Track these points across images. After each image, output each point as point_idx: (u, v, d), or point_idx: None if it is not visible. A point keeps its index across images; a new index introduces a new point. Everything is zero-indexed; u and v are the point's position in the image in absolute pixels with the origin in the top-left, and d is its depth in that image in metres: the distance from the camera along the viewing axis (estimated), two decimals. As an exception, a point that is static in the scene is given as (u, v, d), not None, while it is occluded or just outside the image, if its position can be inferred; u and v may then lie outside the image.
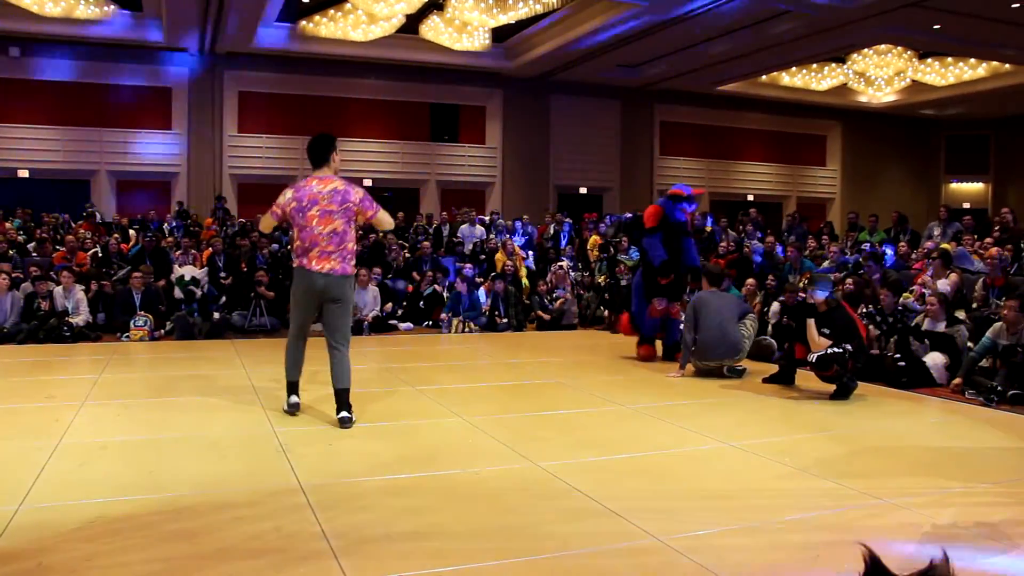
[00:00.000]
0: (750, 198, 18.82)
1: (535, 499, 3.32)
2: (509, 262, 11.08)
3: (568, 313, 10.47)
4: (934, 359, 6.42)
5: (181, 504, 3.15)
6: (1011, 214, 10.25)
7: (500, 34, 14.64)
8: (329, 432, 4.43)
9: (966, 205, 18.76)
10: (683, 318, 6.93)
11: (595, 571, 2.59)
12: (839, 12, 12.09)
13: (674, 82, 17.06)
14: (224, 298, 9.77)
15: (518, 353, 8.34)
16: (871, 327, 6.88)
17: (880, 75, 16.29)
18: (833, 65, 16.85)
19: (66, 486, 3.38)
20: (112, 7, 13.26)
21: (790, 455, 4.03)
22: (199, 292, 9.88)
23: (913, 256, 9.80)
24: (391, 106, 16.38)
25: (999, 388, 5.60)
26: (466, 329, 9.83)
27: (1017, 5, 11.92)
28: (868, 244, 10.85)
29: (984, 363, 6.13)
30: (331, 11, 13.58)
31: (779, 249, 11.03)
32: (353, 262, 4.70)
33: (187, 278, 10.03)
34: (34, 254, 10.52)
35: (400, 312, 10.42)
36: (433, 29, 13.64)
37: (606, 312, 10.48)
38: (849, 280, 7.90)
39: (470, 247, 12.68)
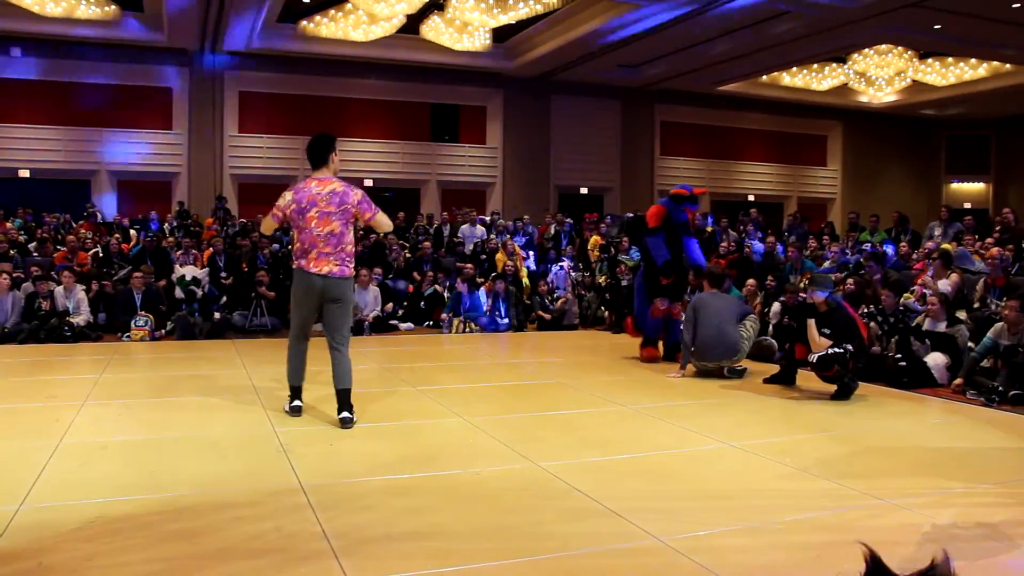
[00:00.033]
0: (751, 198, 18.81)
1: (536, 499, 3.32)
2: (510, 262, 11.08)
3: (569, 313, 10.47)
4: (935, 359, 6.41)
5: (182, 504, 3.15)
6: (1012, 214, 10.25)
7: (501, 34, 14.64)
8: (330, 432, 4.43)
9: (967, 205, 18.76)
10: (683, 318, 6.93)
11: (596, 571, 2.59)
12: (840, 12, 12.09)
13: (674, 82, 17.06)
14: (225, 298, 9.78)
15: (519, 353, 8.34)
16: (872, 324, 6.88)
17: (881, 75, 16.29)
18: (834, 65, 16.85)
19: (67, 486, 3.38)
20: (113, 7, 13.28)
21: (791, 455, 4.03)
22: (200, 292, 9.88)
23: (914, 256, 9.80)
24: (392, 106, 16.38)
25: (1000, 388, 5.59)
26: (467, 329, 9.83)
27: (1018, 5, 11.91)
28: (869, 244, 10.85)
29: (985, 363, 6.13)
30: (332, 11, 13.59)
31: (780, 249, 11.02)
32: (352, 263, 4.70)
33: (188, 278, 10.04)
34: (35, 254, 10.53)
35: (401, 312, 10.42)
36: (434, 29, 13.65)
37: (607, 312, 10.48)
38: (850, 280, 7.90)
39: (471, 247, 12.69)
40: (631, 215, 13.31)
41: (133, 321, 8.76)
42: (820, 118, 19.47)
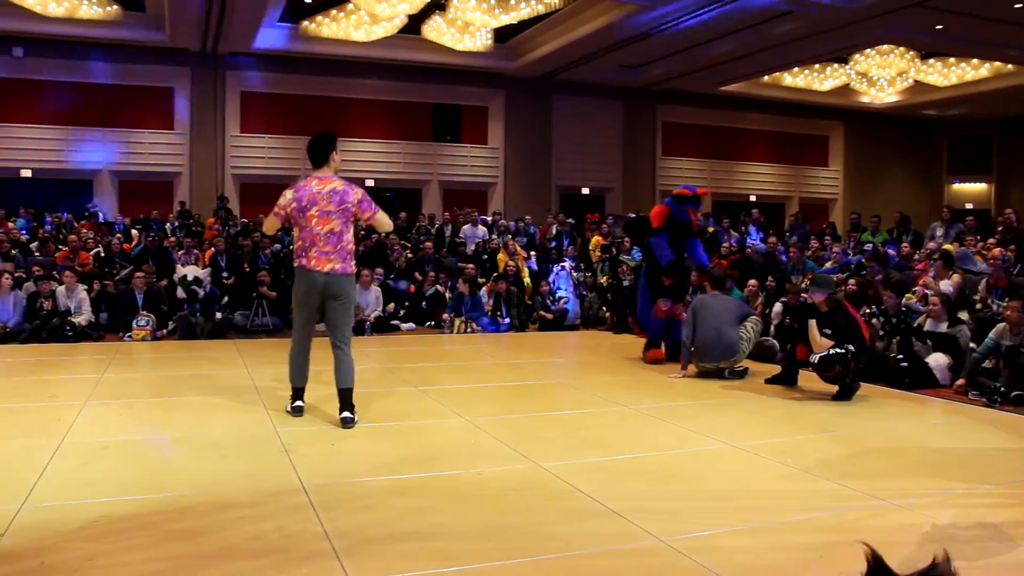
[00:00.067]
0: (752, 199, 18.79)
1: (537, 499, 3.32)
2: (511, 262, 11.09)
3: (571, 313, 10.46)
4: (937, 360, 6.41)
5: (183, 504, 3.15)
6: (1014, 215, 10.22)
7: (502, 34, 14.64)
8: (331, 432, 4.44)
9: (969, 206, 18.74)
10: (684, 319, 6.93)
11: (597, 571, 2.59)
12: (841, 12, 12.08)
13: (676, 82, 17.05)
14: (226, 298, 9.78)
15: (520, 353, 8.34)
16: (874, 321, 6.87)
17: (882, 75, 16.27)
18: (835, 65, 16.83)
19: (68, 485, 3.38)
20: (115, 7, 13.29)
21: (792, 456, 4.03)
22: (201, 292, 9.89)
23: (916, 257, 9.79)
24: (393, 106, 16.39)
25: (1002, 389, 5.59)
26: (468, 329, 9.83)
27: (1019, 5, 11.90)
28: (871, 245, 10.84)
29: (987, 364, 6.12)
30: (333, 11, 13.60)
31: (781, 250, 11.01)
32: (352, 261, 4.72)
33: (189, 278, 10.04)
34: (37, 254, 10.54)
35: (402, 312, 10.42)
36: (435, 29, 13.65)
37: (608, 313, 10.48)
38: (852, 281, 7.89)
39: (472, 247, 12.69)
40: (634, 215, 13.31)
41: (135, 321, 8.77)
42: (822, 118, 19.45)
